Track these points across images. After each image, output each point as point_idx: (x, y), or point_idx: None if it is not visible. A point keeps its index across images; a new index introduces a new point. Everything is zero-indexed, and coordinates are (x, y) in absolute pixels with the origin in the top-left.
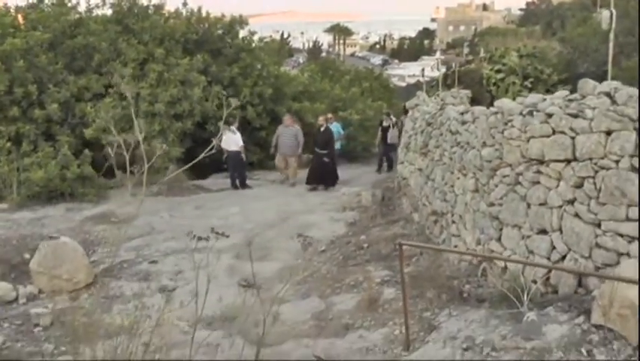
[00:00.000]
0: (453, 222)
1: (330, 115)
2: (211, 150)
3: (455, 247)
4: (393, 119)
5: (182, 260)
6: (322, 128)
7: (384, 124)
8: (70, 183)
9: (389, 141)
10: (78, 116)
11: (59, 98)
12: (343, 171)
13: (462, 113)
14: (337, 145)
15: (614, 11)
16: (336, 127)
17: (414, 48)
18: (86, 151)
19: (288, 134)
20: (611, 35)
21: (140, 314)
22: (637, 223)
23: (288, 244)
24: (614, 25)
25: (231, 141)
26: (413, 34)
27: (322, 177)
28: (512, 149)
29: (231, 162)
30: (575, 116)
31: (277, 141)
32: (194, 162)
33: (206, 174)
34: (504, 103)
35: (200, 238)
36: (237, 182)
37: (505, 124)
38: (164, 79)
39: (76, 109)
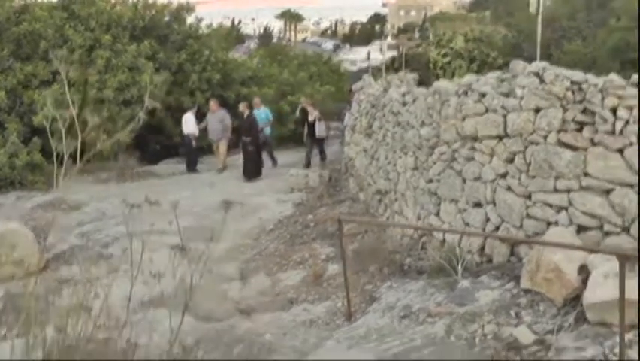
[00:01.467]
0: (396, 199)
1: (256, 100)
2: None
3: (398, 222)
4: (316, 112)
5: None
6: (245, 115)
7: (310, 119)
8: (19, 170)
9: (317, 135)
10: (26, 103)
11: (6, 86)
12: (292, 154)
13: (403, 95)
14: (267, 131)
15: None
16: (265, 112)
17: (365, 33)
18: (35, 139)
19: (215, 119)
20: (539, 19)
21: (89, 295)
22: (564, 194)
23: (237, 225)
24: (541, 9)
25: (186, 126)
26: (365, 20)
27: (244, 166)
28: (449, 127)
29: (184, 147)
30: (507, 95)
31: (207, 129)
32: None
33: (157, 160)
34: (441, 84)
35: (133, 206)
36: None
37: (442, 104)
38: (111, 65)
39: (23, 96)
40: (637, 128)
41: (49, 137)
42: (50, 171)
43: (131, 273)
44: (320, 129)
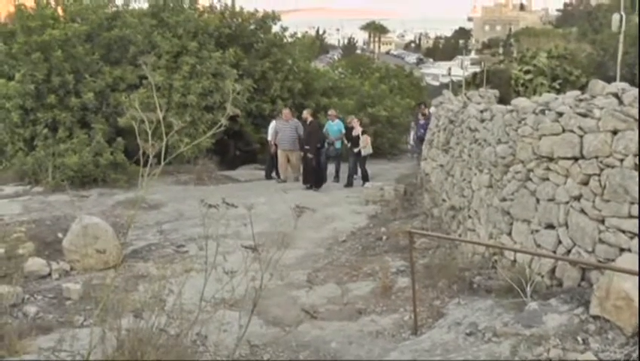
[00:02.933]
0: (469, 217)
1: (331, 112)
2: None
3: (471, 239)
4: (360, 128)
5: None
6: (308, 123)
7: (353, 134)
8: (103, 169)
9: (363, 153)
10: (112, 105)
11: (95, 88)
12: (368, 167)
13: (481, 111)
14: (338, 144)
15: (624, 14)
16: (338, 125)
17: (449, 47)
18: (119, 139)
19: (288, 128)
20: (621, 38)
21: (164, 292)
22: (638, 221)
23: (311, 234)
24: (623, 27)
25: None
26: (449, 34)
27: (304, 174)
28: (525, 146)
29: (268, 154)
30: (584, 115)
31: (277, 137)
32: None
33: (236, 166)
34: (519, 101)
35: (210, 206)
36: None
37: (520, 122)
38: (196, 71)
39: (110, 98)
40: None
41: (136, 136)
42: (132, 171)
43: (205, 272)
44: (363, 146)
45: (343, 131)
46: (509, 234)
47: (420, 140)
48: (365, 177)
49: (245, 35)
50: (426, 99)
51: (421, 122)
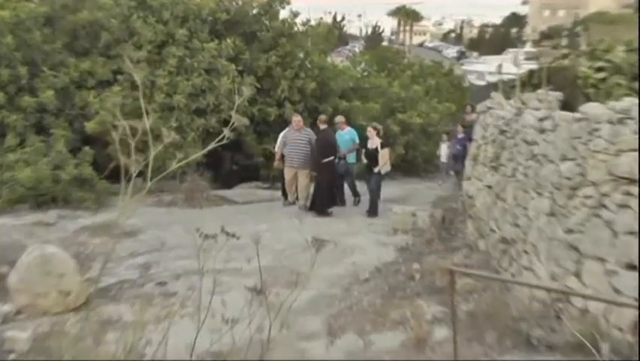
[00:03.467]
0: (524, 252)
1: (339, 119)
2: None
3: (526, 281)
4: (378, 140)
5: (197, 281)
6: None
7: (370, 145)
8: (64, 185)
9: (382, 171)
10: (78, 106)
11: (56, 84)
12: (397, 186)
13: (541, 120)
14: (351, 158)
15: None
16: (349, 134)
17: (498, 38)
18: (86, 148)
19: (299, 140)
20: None
21: (141, 343)
22: None
23: (325, 270)
24: None
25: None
26: (498, 21)
27: (313, 196)
28: (597, 164)
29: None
30: None
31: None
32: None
33: (233, 183)
34: (590, 107)
35: (207, 237)
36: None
37: (591, 133)
38: (185, 66)
39: (76, 98)
40: None
41: (110, 145)
42: (102, 188)
43: (196, 317)
44: (383, 163)
45: (357, 141)
46: (577, 275)
47: (456, 158)
48: (355, 193)
49: (246, 22)
50: (470, 103)
51: (460, 135)
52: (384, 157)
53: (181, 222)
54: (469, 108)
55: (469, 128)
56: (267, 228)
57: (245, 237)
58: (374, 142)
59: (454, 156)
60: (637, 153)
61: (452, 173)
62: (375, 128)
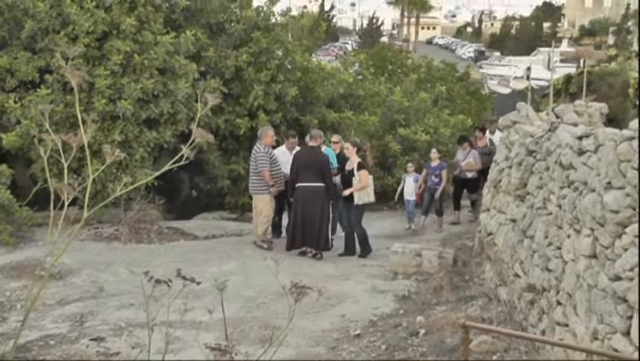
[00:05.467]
0: (558, 303)
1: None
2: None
3: (561, 340)
4: (356, 158)
5: (144, 337)
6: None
7: (347, 166)
8: None
9: (356, 200)
10: None
11: None
12: (399, 218)
13: (580, 138)
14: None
15: None
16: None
17: (527, 34)
18: (3, 167)
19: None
20: None
21: None
22: None
23: (307, 323)
24: None
25: (285, 166)
26: (527, 13)
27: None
28: None
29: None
30: None
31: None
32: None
33: (192, 213)
34: None
35: (158, 282)
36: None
37: None
38: (133, 64)
39: None
40: None
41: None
42: (22, 218)
43: None
44: (359, 187)
45: (334, 164)
46: (627, 333)
47: (432, 194)
48: (363, 245)
49: (211, 11)
50: (490, 115)
51: (434, 163)
52: (362, 181)
53: (124, 261)
54: (479, 133)
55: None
56: (235, 269)
57: (206, 280)
58: (352, 162)
59: (430, 190)
60: None
61: (422, 217)
62: (354, 145)
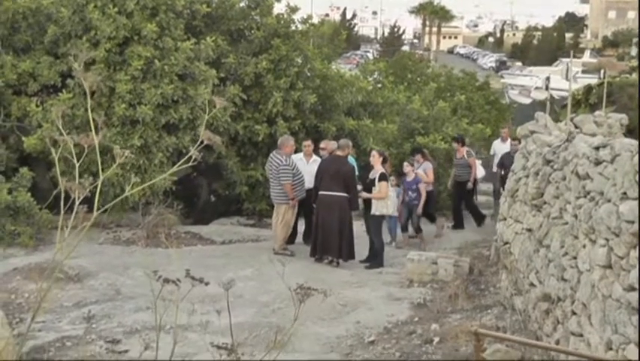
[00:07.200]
0: (573, 313)
1: (326, 144)
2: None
3: (575, 350)
4: (379, 165)
5: (160, 341)
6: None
7: (371, 176)
8: None
9: (373, 211)
10: (15, 116)
11: None
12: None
13: (597, 148)
14: None
15: None
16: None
17: (549, 45)
18: (24, 170)
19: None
20: None
21: None
22: None
23: (320, 329)
24: None
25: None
26: (549, 23)
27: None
28: None
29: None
30: None
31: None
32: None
33: (210, 218)
34: None
35: (167, 281)
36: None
37: None
38: (153, 70)
39: (12, 106)
40: None
41: (54, 167)
42: (43, 220)
43: None
44: (379, 196)
45: (357, 173)
46: None
47: (410, 209)
48: (376, 255)
49: (231, 18)
50: (510, 125)
51: (408, 178)
52: (382, 191)
53: (142, 265)
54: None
55: (462, 167)
56: (251, 275)
57: (221, 285)
58: (376, 170)
59: (408, 206)
60: None
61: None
62: (380, 154)
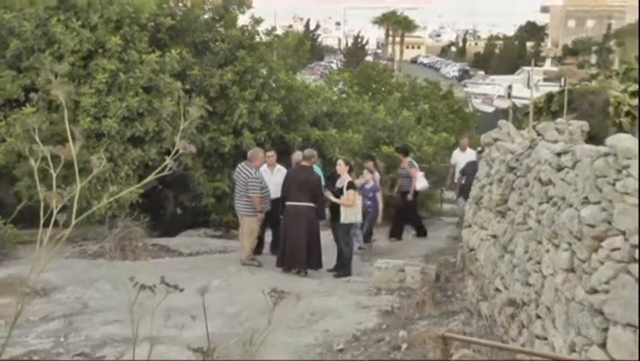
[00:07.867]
0: (538, 316)
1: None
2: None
3: None
4: (346, 173)
5: (128, 352)
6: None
7: (338, 184)
8: None
9: (342, 219)
10: None
11: None
12: (382, 235)
13: (558, 154)
14: None
15: None
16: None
17: (510, 54)
18: None
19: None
20: None
21: None
22: None
23: (290, 338)
24: None
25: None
26: (511, 32)
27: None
28: (627, 209)
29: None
30: None
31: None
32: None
33: (176, 230)
34: (619, 140)
35: (143, 287)
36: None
37: (619, 172)
38: (119, 83)
39: None
40: None
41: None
42: (7, 235)
43: None
44: (346, 203)
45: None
46: (603, 345)
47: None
48: (344, 264)
49: (196, 30)
50: (472, 134)
51: (367, 185)
52: (350, 199)
53: (109, 278)
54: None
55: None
56: (219, 286)
57: (190, 296)
58: (343, 180)
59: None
60: None
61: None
62: (347, 163)
